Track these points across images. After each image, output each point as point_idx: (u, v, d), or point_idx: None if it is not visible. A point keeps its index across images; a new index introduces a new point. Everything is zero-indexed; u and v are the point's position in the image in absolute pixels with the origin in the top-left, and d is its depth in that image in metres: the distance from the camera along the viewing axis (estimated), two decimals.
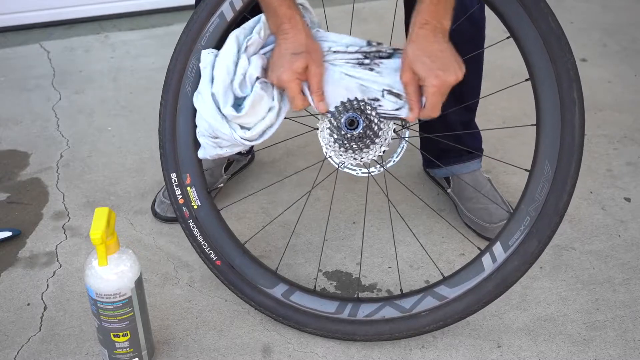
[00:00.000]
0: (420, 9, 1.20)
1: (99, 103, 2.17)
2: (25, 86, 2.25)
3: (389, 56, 1.27)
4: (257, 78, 1.29)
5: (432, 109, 1.25)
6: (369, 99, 1.28)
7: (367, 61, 1.27)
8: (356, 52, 1.28)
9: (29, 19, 2.58)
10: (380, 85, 1.27)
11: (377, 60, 1.27)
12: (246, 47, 1.30)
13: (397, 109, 1.28)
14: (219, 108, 1.29)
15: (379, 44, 1.29)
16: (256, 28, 1.31)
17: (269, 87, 1.30)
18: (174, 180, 1.41)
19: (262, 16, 1.31)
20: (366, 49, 1.28)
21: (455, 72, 1.21)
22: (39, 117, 2.09)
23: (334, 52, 1.28)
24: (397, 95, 1.27)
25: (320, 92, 1.28)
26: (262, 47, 1.32)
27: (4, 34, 2.56)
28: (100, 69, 2.36)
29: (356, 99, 1.28)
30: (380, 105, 1.28)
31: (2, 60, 2.41)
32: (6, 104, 2.16)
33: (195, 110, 1.35)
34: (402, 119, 1.29)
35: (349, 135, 1.30)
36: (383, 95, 1.28)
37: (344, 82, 1.28)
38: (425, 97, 1.24)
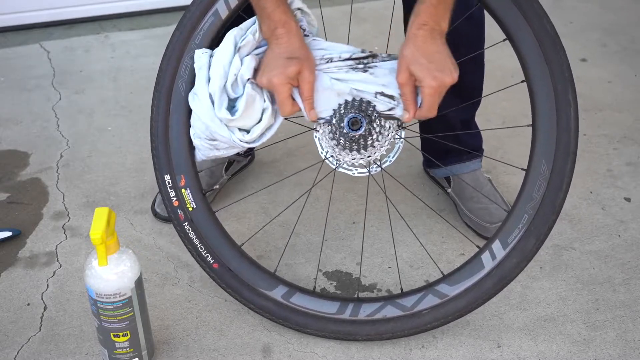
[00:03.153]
0: (420, 10, 1.20)
1: (99, 103, 2.17)
2: (25, 86, 2.25)
3: (384, 60, 1.27)
4: (248, 79, 1.27)
5: (429, 110, 1.24)
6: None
7: (360, 66, 1.27)
8: (349, 59, 1.27)
9: (29, 19, 2.58)
10: (373, 87, 1.26)
11: (371, 64, 1.27)
12: (239, 48, 1.28)
13: (390, 109, 1.28)
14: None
15: (372, 52, 1.27)
16: (251, 29, 1.30)
17: (259, 87, 1.29)
18: (168, 182, 1.39)
19: None
20: (360, 55, 1.27)
21: (451, 73, 1.21)
22: (39, 117, 2.09)
23: (327, 60, 1.27)
24: (390, 97, 1.27)
25: (311, 100, 1.27)
26: (255, 49, 1.31)
27: (4, 34, 2.56)
28: (100, 69, 2.36)
29: (361, 99, 1.28)
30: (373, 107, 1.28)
31: (2, 60, 2.41)
32: (6, 104, 2.16)
33: (189, 110, 1.34)
34: (397, 119, 1.29)
35: (351, 136, 1.30)
36: (376, 97, 1.27)
37: (336, 88, 1.27)
38: (422, 98, 1.23)
